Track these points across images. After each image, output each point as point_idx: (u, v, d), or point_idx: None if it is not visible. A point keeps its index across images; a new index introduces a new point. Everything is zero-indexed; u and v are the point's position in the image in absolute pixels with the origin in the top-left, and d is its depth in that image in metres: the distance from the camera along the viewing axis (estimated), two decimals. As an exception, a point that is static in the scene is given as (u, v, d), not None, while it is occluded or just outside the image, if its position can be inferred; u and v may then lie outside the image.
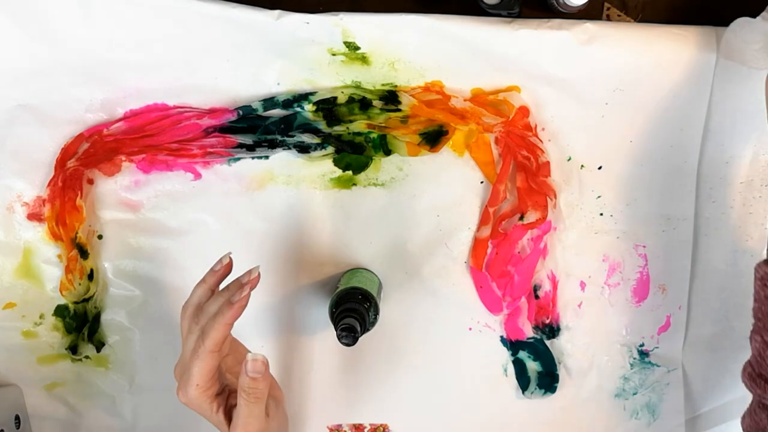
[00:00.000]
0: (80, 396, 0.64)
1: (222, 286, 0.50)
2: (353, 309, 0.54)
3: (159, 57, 0.58)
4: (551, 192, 0.60)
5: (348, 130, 0.60)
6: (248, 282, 0.47)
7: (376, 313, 0.57)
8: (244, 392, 0.45)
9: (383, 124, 0.60)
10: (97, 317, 0.63)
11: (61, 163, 0.59)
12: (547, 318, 0.64)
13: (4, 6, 0.56)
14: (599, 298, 0.63)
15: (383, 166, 0.61)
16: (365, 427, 0.66)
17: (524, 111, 0.59)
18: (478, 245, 0.62)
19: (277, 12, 0.56)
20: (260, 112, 0.59)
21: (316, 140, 0.60)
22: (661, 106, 0.59)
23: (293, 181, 0.61)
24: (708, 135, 0.60)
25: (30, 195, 0.61)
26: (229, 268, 0.50)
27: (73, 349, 0.63)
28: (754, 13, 0.53)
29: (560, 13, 0.59)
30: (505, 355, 0.64)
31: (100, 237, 0.62)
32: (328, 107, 0.59)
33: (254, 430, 0.46)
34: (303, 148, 0.60)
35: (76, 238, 0.60)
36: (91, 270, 0.61)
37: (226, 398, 0.49)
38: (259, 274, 0.48)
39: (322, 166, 0.61)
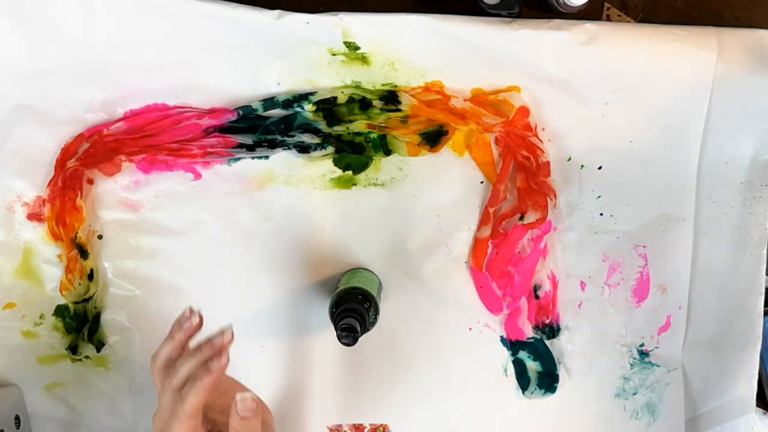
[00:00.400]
0: (80, 396, 0.64)
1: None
2: (353, 309, 0.54)
3: (159, 57, 0.58)
4: (551, 192, 0.60)
5: (348, 130, 0.60)
6: (223, 345, 0.44)
7: (376, 313, 0.57)
8: None
9: (383, 124, 0.60)
10: (97, 317, 0.63)
11: (61, 163, 0.59)
12: (547, 318, 0.63)
13: (4, 6, 0.56)
14: (599, 298, 0.63)
15: (383, 166, 0.61)
16: (365, 427, 0.66)
17: (524, 111, 0.59)
18: (478, 245, 0.62)
19: (277, 12, 0.56)
20: (260, 112, 0.59)
21: (316, 140, 0.60)
22: (661, 106, 0.59)
23: (293, 181, 0.61)
24: (708, 135, 0.60)
25: (30, 195, 0.61)
26: (199, 327, 0.46)
27: (73, 349, 0.63)
28: (753, 13, 0.53)
29: (560, 13, 0.59)
30: (505, 355, 0.64)
31: (100, 237, 0.62)
32: (328, 107, 0.59)
33: None
34: (303, 148, 0.60)
35: (76, 238, 0.60)
36: (91, 270, 0.61)
37: None
38: (232, 334, 0.44)
39: (322, 166, 0.61)
